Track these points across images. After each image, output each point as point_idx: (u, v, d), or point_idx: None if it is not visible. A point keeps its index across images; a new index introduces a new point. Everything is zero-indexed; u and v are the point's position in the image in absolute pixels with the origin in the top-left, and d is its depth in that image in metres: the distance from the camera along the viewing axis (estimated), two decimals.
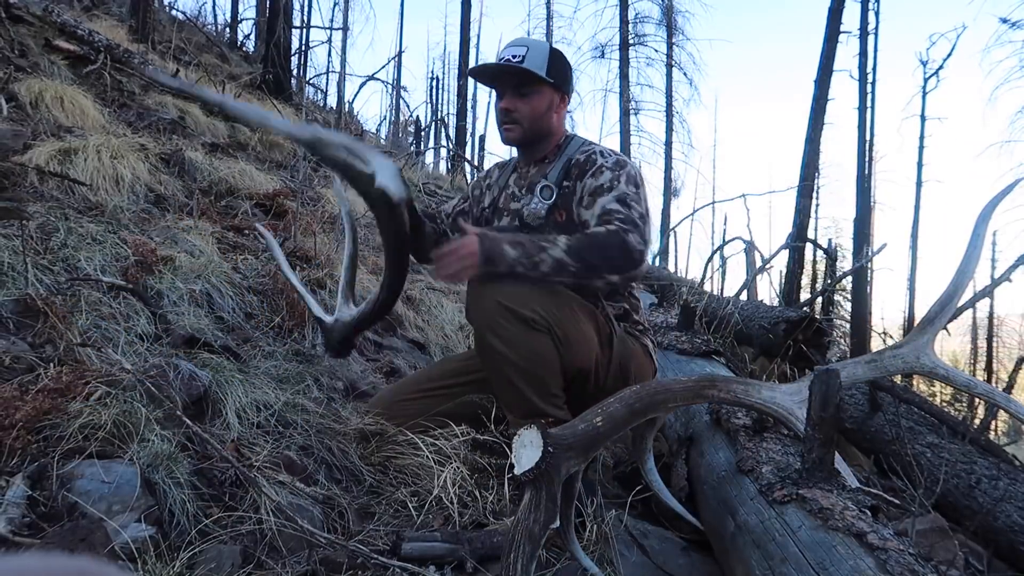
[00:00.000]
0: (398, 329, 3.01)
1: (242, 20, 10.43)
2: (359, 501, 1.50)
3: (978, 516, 1.68)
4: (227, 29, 10.18)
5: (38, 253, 1.90)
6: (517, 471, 1.01)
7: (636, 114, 15.24)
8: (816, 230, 15.01)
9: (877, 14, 10.25)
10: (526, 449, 1.03)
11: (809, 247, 8.79)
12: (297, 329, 2.39)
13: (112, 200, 2.57)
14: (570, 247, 1.48)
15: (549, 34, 16.01)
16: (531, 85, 1.76)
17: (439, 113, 16.72)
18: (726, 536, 1.23)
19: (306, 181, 4.01)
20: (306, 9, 10.74)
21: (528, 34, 16.55)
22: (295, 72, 8.56)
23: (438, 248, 1.46)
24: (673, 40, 15.23)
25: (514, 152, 1.94)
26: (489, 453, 1.70)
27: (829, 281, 5.63)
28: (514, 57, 1.74)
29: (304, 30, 9.76)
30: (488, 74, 1.85)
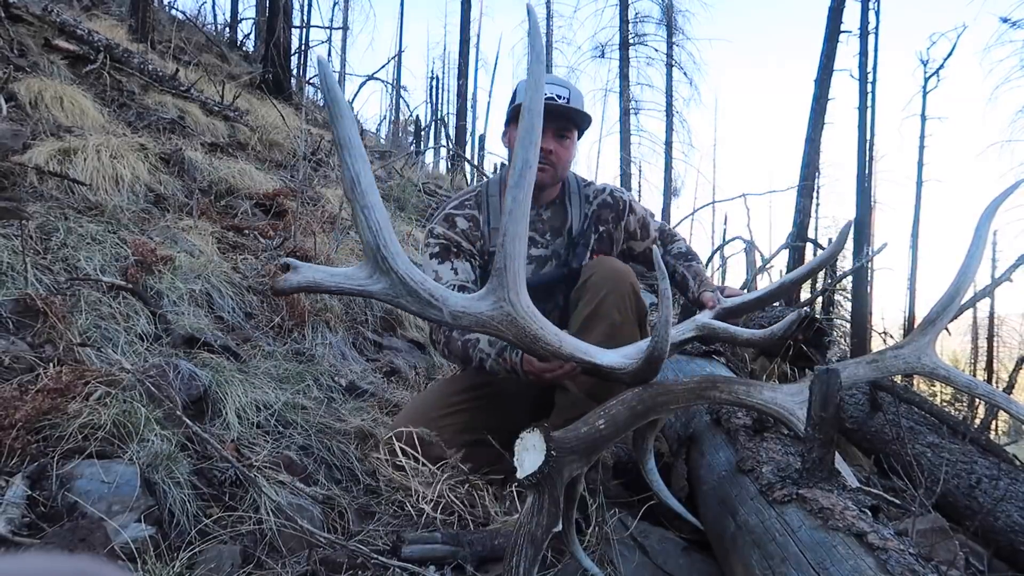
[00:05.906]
0: (398, 329, 3.00)
1: (242, 19, 10.41)
2: (359, 501, 1.50)
3: (979, 516, 1.67)
4: (227, 28, 10.16)
5: (38, 253, 1.90)
6: (520, 475, 1.01)
7: (636, 114, 15.26)
8: (816, 230, 14.99)
9: (877, 13, 10.25)
10: (528, 453, 1.02)
11: (809, 247, 8.79)
12: (297, 329, 2.38)
13: (112, 200, 2.57)
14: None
15: (549, 33, 15.99)
16: (570, 129, 1.69)
17: (439, 113, 16.70)
18: (726, 536, 1.23)
19: (306, 181, 4.01)
20: (306, 8, 10.75)
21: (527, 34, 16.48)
22: (295, 72, 8.55)
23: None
24: (673, 39, 15.23)
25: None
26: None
27: (829, 281, 5.62)
28: (559, 97, 1.64)
29: (304, 29, 9.76)
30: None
